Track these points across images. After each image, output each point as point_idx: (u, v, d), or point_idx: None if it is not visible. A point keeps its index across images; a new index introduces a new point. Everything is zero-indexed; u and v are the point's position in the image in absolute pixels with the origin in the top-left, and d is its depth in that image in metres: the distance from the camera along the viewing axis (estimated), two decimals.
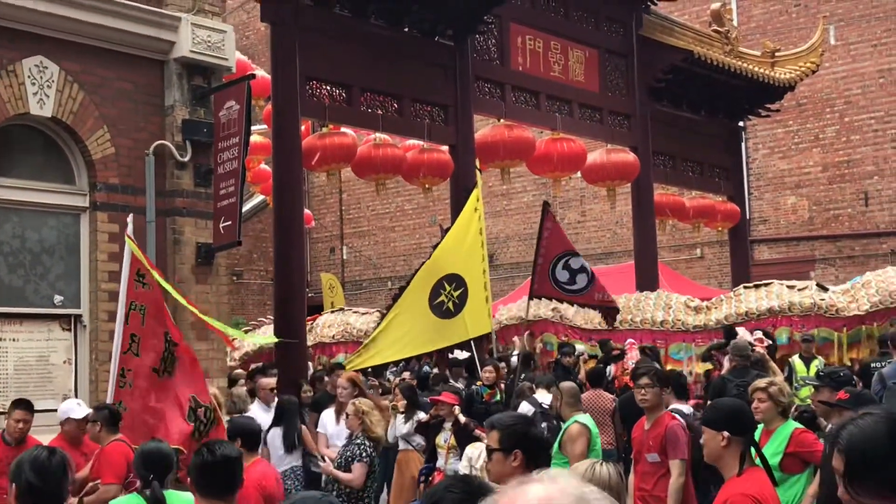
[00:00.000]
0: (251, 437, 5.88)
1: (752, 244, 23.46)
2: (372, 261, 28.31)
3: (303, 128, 15.48)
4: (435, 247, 12.17)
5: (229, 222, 9.59)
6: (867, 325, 13.16)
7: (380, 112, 13.84)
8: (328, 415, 9.11)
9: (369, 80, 13.69)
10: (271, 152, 13.22)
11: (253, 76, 10.36)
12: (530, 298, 13.20)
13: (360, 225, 28.67)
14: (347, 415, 7.91)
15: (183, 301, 7.71)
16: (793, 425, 6.45)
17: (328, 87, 13.29)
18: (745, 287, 14.51)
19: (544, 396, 9.87)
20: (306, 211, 22.73)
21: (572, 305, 13.64)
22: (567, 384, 7.85)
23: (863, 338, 13.08)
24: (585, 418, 7.51)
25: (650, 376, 6.59)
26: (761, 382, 6.54)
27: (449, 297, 11.40)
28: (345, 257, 28.61)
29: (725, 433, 4.68)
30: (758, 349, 10.72)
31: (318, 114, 13.24)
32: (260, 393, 9.48)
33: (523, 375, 11.37)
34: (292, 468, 9.01)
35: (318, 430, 9.34)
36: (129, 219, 7.73)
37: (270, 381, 9.63)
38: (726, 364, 10.79)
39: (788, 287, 13.85)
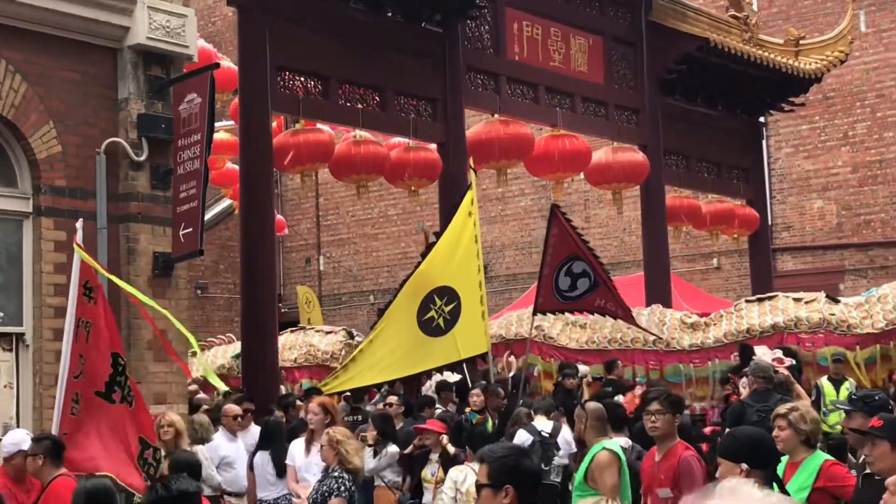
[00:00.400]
0: (193, 473, 5.84)
1: (774, 253, 23.45)
2: (352, 272, 28.23)
3: (274, 124, 15.51)
4: (423, 256, 12.10)
5: (190, 229, 9.51)
6: (883, 343, 12.96)
7: (360, 106, 13.80)
8: (297, 445, 9.02)
9: (348, 71, 13.65)
10: (238, 151, 13.16)
11: (217, 66, 10.30)
12: (534, 314, 13.15)
13: (338, 232, 28.59)
14: (322, 445, 7.83)
15: (155, 305, 7.66)
16: (822, 457, 6.37)
17: (302, 79, 13.26)
18: (746, 301, 14.42)
19: (544, 423, 9.83)
20: (278, 216, 22.70)
21: (572, 314, 13.60)
22: (593, 405, 7.73)
23: (878, 358, 12.89)
24: (614, 444, 7.40)
25: (661, 401, 6.51)
26: (782, 408, 6.46)
27: (439, 312, 11.34)
28: (322, 268, 28.52)
29: (744, 465, 4.63)
30: (781, 370, 10.66)
31: (291, 108, 13.20)
32: (224, 420, 9.40)
33: (521, 400, 11.31)
34: (284, 496, 8.96)
35: (286, 461, 9.25)
36: (79, 225, 7.65)
37: (234, 408, 9.54)
38: (743, 388, 10.73)
39: (795, 300, 13.73)
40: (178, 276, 10.20)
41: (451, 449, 9.52)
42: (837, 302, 13.69)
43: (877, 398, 6.28)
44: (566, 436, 10.06)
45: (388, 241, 27.82)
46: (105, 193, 9.53)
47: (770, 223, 23.36)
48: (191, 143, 9.66)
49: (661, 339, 14.06)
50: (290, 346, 16.39)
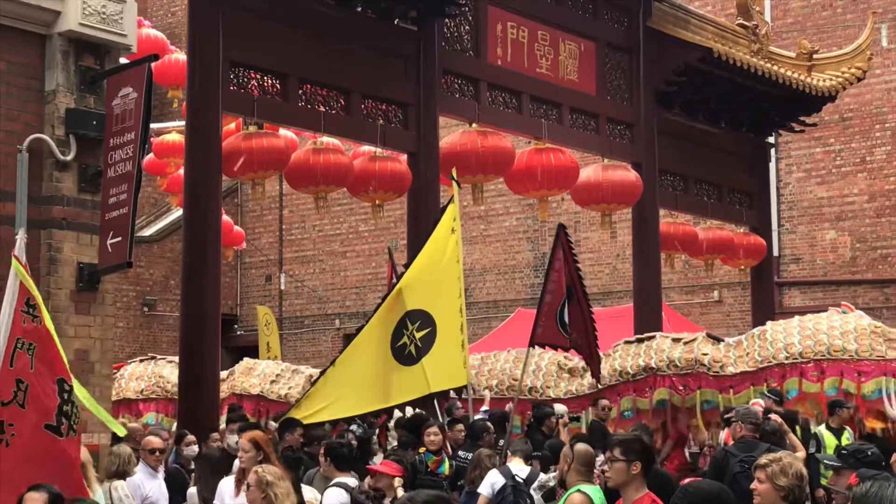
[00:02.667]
0: None
1: (780, 287, 23.43)
2: (317, 293, 28.08)
3: (232, 125, 15.44)
4: (400, 276, 11.97)
5: (119, 238, 9.37)
6: (756, 385, 12.86)
7: (322, 109, 13.73)
8: (226, 484, 8.85)
9: (310, 70, 13.59)
10: (184, 154, 13.07)
11: (156, 57, 10.17)
12: (531, 345, 13.02)
13: (303, 248, 28.47)
14: (248, 485, 7.70)
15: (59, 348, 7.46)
16: None
17: (258, 77, 13.19)
18: (625, 342, 14.36)
19: (520, 467, 9.70)
20: (237, 228, 22.61)
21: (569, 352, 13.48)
22: (583, 448, 7.76)
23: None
24: (591, 490, 7.35)
25: (620, 448, 6.44)
26: (763, 458, 6.34)
27: (411, 338, 11.19)
28: (283, 287, 28.38)
29: None
30: (773, 418, 10.56)
31: (245, 108, 13.12)
32: (141, 454, 9.25)
33: (501, 442, 11.18)
34: None
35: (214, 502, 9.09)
36: (20, 235, 7.47)
37: (152, 441, 9.39)
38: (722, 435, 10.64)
39: (673, 340, 13.66)
40: (105, 290, 10.04)
41: (400, 492, 9.37)
42: (720, 341, 13.59)
43: (870, 453, 6.18)
44: (544, 480, 9.96)
45: (357, 260, 27.70)
46: (26, 196, 9.38)
47: (777, 254, 23.35)
48: (123, 142, 9.52)
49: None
50: (138, 377, 16.36)
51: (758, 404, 11.20)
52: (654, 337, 14.09)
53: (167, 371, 15.99)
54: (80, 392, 7.28)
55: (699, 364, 13.27)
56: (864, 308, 22.76)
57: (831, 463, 6.79)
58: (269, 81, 13.31)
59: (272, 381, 15.30)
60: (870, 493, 2.78)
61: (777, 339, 13.00)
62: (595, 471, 8.37)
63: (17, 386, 6.79)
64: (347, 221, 27.49)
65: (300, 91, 13.52)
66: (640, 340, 14.24)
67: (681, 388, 13.39)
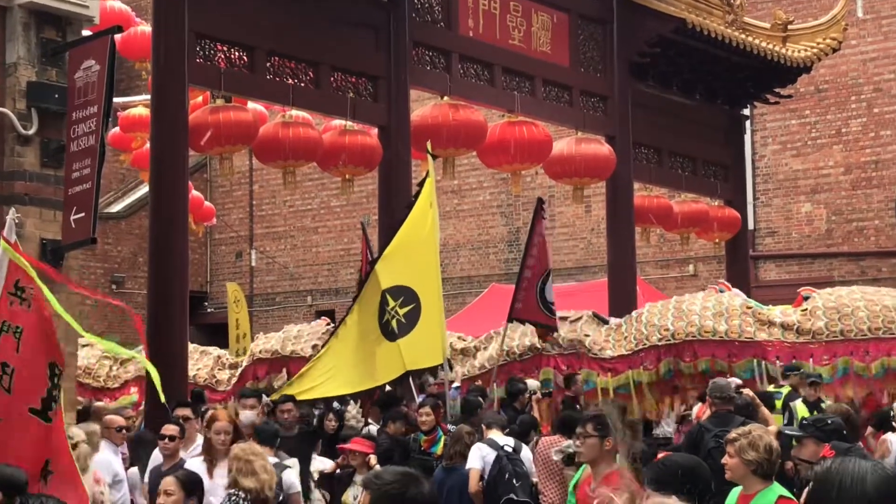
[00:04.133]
0: (12, 488, 5.72)
1: (755, 261, 23.50)
2: (288, 269, 28.01)
3: (199, 99, 15.32)
4: (381, 252, 11.94)
5: (82, 214, 9.31)
6: (633, 367, 12.90)
7: (291, 82, 13.64)
8: (196, 465, 8.81)
9: (278, 42, 13.49)
10: (150, 128, 12.96)
11: (119, 29, 10.09)
12: (509, 321, 13.02)
13: (273, 224, 28.37)
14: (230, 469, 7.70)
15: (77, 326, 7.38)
16: (776, 492, 6.28)
17: (225, 48, 13.08)
18: (516, 321, 14.34)
19: (503, 438, 9.71)
20: (207, 204, 22.49)
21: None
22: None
23: (631, 386, 12.79)
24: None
25: (591, 424, 6.49)
26: (733, 433, 6.40)
27: (393, 314, 11.17)
28: (254, 264, 28.29)
29: (673, 498, 4.53)
30: (746, 391, 10.60)
31: (211, 81, 13.01)
32: (104, 432, 9.20)
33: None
34: None
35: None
36: (10, 215, 7.36)
37: (116, 419, 9.35)
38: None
39: (561, 319, 13.56)
40: (69, 266, 9.99)
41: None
42: (606, 321, 13.55)
43: (829, 422, 6.21)
44: (527, 454, 9.97)
45: (329, 236, 27.63)
46: None
47: (752, 227, 23.40)
48: (86, 115, 9.45)
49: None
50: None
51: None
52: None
53: None
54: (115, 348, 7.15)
55: (581, 345, 13.26)
56: (840, 281, 22.96)
57: (792, 432, 6.82)
58: (236, 54, 13.20)
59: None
60: (831, 470, 2.76)
61: (652, 320, 12.95)
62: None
63: (2, 370, 6.69)
64: (319, 196, 27.40)
65: (268, 63, 13.42)
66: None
67: (564, 368, 13.44)
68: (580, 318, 13.61)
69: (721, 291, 13.61)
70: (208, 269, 28.57)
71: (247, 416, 10.05)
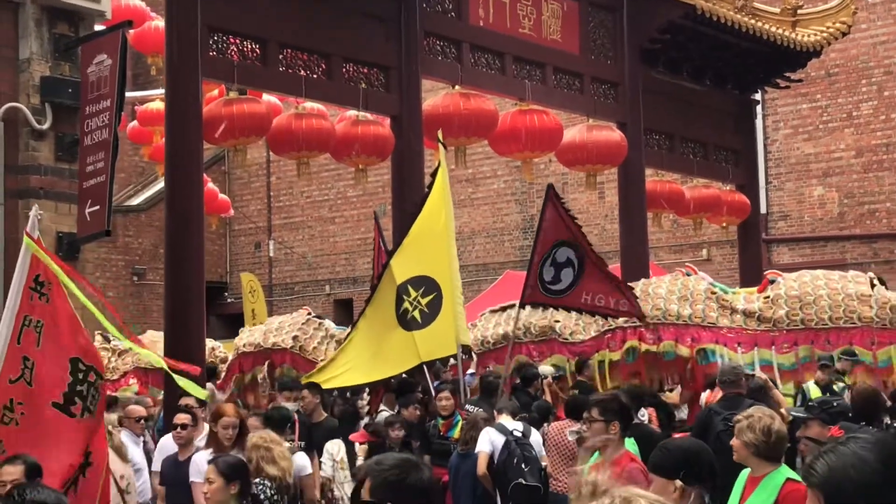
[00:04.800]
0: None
1: (769, 244, 23.42)
2: (306, 259, 28.05)
3: (216, 92, 15.32)
4: (398, 243, 11.94)
5: (97, 207, 9.33)
6: (600, 349, 13.00)
7: (303, 73, 13.62)
8: (201, 458, 8.77)
9: (290, 34, 13.46)
10: (164, 122, 12.96)
11: (130, 24, 10.10)
12: (521, 306, 13.00)
13: (291, 215, 28.40)
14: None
15: (115, 331, 7.36)
16: (784, 474, 6.24)
17: (237, 42, 13.05)
18: (490, 311, 14.42)
19: (512, 423, 9.70)
20: (223, 196, 22.55)
21: (568, 311, 13.39)
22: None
23: (595, 369, 12.85)
24: (628, 443, 7.44)
25: (598, 408, 6.46)
26: (739, 416, 6.36)
27: (414, 304, 11.17)
28: (272, 254, 28.33)
29: (678, 482, 4.51)
30: (758, 374, 10.55)
31: (224, 74, 12.97)
32: (125, 422, 9.22)
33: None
34: None
35: (191, 478, 8.92)
36: (33, 212, 7.36)
37: (137, 409, 9.36)
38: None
39: (532, 307, 13.42)
40: (85, 259, 10.02)
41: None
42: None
43: (835, 404, 6.18)
44: (536, 438, 9.96)
45: (346, 226, 27.64)
46: (2, 165, 9.35)
47: (765, 211, 23.31)
48: (99, 109, 9.47)
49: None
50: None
51: None
52: (514, 305, 13.79)
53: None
54: (148, 355, 7.18)
55: (552, 331, 13.32)
56: (853, 263, 22.85)
57: (796, 414, 6.78)
58: (249, 46, 13.18)
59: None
60: (829, 473, 2.66)
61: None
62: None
63: (23, 363, 6.69)
64: (335, 187, 27.40)
65: (280, 56, 13.40)
66: (503, 309, 14.21)
67: (536, 355, 13.47)
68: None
69: (688, 275, 13.64)
70: (228, 260, 28.64)
71: (288, 407, 10.08)
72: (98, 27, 10.27)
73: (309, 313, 14.61)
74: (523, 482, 9.08)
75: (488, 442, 9.34)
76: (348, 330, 12.34)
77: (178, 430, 8.72)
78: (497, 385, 11.46)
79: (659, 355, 12.89)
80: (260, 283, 25.22)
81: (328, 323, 14.46)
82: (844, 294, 12.56)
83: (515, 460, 9.12)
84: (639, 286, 13.28)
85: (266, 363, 13.80)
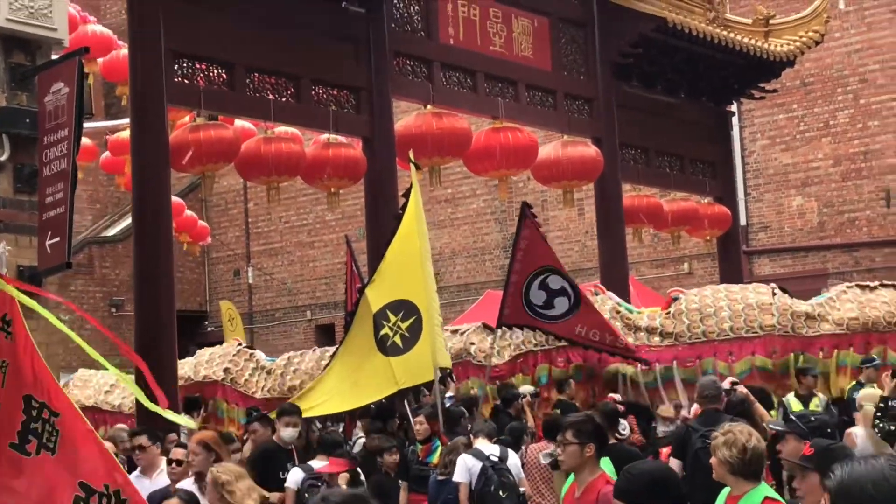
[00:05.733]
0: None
1: (750, 256, 23.28)
2: (286, 285, 27.77)
3: (187, 119, 15.10)
4: (373, 268, 11.76)
5: (57, 238, 9.09)
6: (513, 374, 13.04)
7: (272, 97, 13.42)
8: (186, 485, 8.56)
9: (257, 58, 13.27)
10: (121, 150, 12.74)
11: (86, 50, 9.87)
12: (498, 326, 12.85)
13: (270, 240, 28.15)
14: (207, 485, 7.43)
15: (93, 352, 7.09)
16: (763, 493, 6.02)
17: (203, 67, 12.86)
18: None
19: (489, 447, 9.48)
20: (202, 223, 22.27)
21: (553, 337, 13.29)
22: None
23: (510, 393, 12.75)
24: (605, 463, 7.29)
25: (572, 430, 6.24)
26: (716, 432, 6.15)
27: (395, 329, 10.96)
28: (251, 281, 28.06)
29: None
30: (739, 389, 10.34)
31: (191, 100, 12.78)
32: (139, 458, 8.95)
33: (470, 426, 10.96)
34: None
35: None
36: (1, 248, 7.08)
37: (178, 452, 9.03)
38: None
39: (452, 332, 13.63)
40: (62, 291, 9.76)
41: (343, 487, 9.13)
42: (493, 331, 13.49)
43: (813, 419, 5.98)
44: (515, 461, 9.74)
45: (325, 250, 27.39)
46: None
47: (745, 223, 23.19)
48: (58, 139, 9.24)
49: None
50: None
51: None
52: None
53: None
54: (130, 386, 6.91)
55: (467, 353, 13.34)
56: (835, 273, 22.72)
57: (775, 427, 6.58)
58: (215, 71, 12.98)
59: (106, 392, 15.02)
60: (847, 480, 2.53)
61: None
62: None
63: None
64: (314, 211, 27.17)
65: (248, 80, 13.19)
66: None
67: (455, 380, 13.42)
68: (469, 329, 13.74)
69: (595, 294, 13.87)
70: (207, 288, 28.35)
71: (288, 433, 9.83)
72: (56, 56, 10.03)
73: (239, 344, 14.40)
74: None
75: (466, 470, 9.11)
76: (326, 360, 12.15)
77: (173, 465, 8.50)
78: (461, 413, 11.23)
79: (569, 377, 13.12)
80: (240, 311, 24.96)
81: (259, 354, 14.33)
82: (745, 304, 12.73)
83: (493, 487, 8.89)
84: None
85: (198, 395, 13.63)
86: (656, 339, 12.74)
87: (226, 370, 13.79)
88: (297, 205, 26.55)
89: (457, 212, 26.36)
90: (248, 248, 28.22)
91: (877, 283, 13.48)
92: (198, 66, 12.81)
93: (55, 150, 9.26)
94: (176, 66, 12.52)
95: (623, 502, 4.07)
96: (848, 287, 13.45)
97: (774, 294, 13.01)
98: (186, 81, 12.64)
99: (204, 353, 14.35)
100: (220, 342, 23.54)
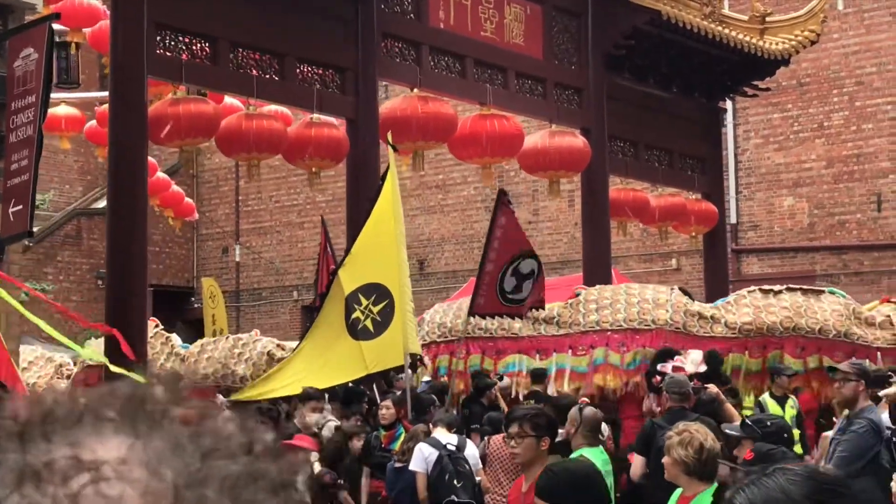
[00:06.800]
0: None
1: (738, 255, 23.10)
2: (274, 265, 27.57)
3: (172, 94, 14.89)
4: (347, 250, 11.58)
5: (20, 206, 8.90)
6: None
7: (255, 73, 13.22)
8: None
9: (242, 33, 13.08)
10: (107, 121, 12.54)
11: (57, 16, 9.68)
12: (471, 315, 12.67)
13: (260, 219, 27.93)
14: None
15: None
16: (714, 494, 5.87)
17: (186, 40, 12.65)
18: None
19: (446, 436, 9.30)
20: (188, 200, 22.05)
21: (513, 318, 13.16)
22: (590, 411, 7.84)
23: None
24: (594, 453, 7.36)
25: (523, 423, 6.07)
26: (670, 431, 5.98)
27: (366, 312, 10.79)
28: (238, 259, 27.85)
29: None
30: (710, 388, 10.15)
31: (172, 73, 12.56)
32: None
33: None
34: None
35: None
36: None
37: None
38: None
39: (483, 317, 13.60)
40: (11, 261, 9.57)
41: (317, 467, 8.97)
42: None
43: (769, 423, 5.80)
44: (473, 451, 9.58)
45: (314, 231, 27.12)
46: None
47: (735, 221, 23.00)
48: (25, 105, 9.05)
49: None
50: None
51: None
52: None
53: None
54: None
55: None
56: (822, 275, 22.52)
57: (729, 431, 6.41)
58: (199, 45, 12.78)
59: (23, 369, 14.86)
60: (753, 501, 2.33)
61: (435, 318, 13.87)
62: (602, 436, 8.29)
63: None
64: (304, 192, 26.91)
65: (231, 55, 12.99)
66: None
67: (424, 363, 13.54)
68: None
69: None
70: (195, 265, 28.15)
71: (313, 418, 9.65)
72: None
73: (157, 325, 14.20)
74: (455, 499, 8.66)
75: (422, 460, 8.94)
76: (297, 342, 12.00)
77: None
78: (431, 401, 11.05)
79: (463, 370, 13.23)
80: (227, 289, 24.76)
81: (175, 339, 14.15)
82: (641, 298, 12.85)
83: (447, 476, 8.70)
84: (456, 303, 13.87)
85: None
86: (553, 329, 12.88)
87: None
88: (288, 184, 26.35)
89: (447, 198, 26.15)
90: (237, 226, 28.00)
91: (782, 287, 13.42)
92: (181, 38, 12.61)
93: (22, 116, 9.07)
94: (158, 38, 12.32)
95: (544, 501, 3.87)
96: (749, 291, 13.48)
97: (672, 292, 13.18)
98: (168, 54, 12.44)
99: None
100: (200, 322, 23.43)
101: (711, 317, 12.84)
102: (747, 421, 6.02)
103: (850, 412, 7.66)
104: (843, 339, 12.59)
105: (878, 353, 12.36)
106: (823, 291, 13.47)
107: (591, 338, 12.74)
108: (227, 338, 14.34)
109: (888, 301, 13.51)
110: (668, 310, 12.72)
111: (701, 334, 12.72)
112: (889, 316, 12.82)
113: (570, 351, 12.78)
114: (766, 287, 13.58)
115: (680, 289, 13.82)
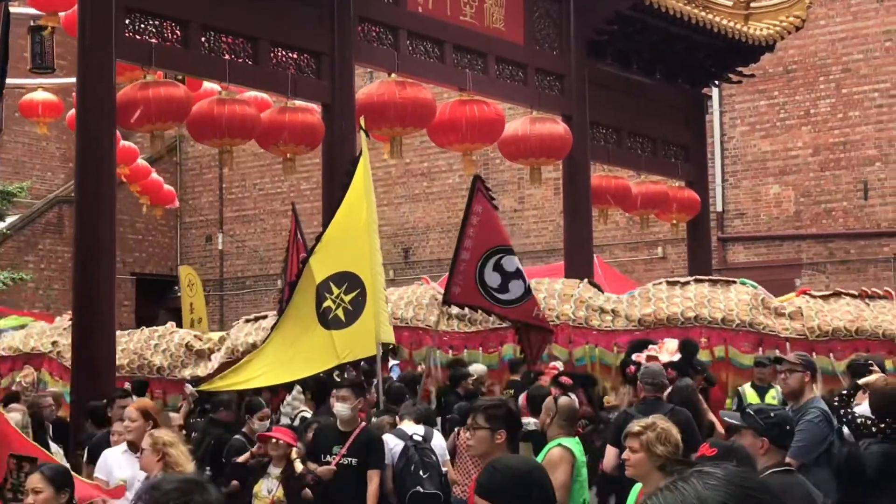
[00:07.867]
0: None
1: (724, 243, 22.88)
2: (258, 253, 27.30)
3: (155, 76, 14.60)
4: (318, 237, 11.30)
5: None
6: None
7: (227, 57, 12.92)
8: (112, 456, 8.14)
9: (214, 15, 12.78)
10: (75, 106, 12.24)
11: None
12: (444, 304, 12.39)
13: (243, 208, 27.67)
14: (142, 450, 7.13)
15: None
16: None
17: (156, 22, 12.34)
18: (244, 320, 14.27)
19: (413, 428, 9.08)
20: (168, 187, 21.78)
21: (502, 321, 12.82)
22: (566, 401, 7.64)
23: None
24: (571, 442, 7.25)
25: (482, 415, 5.85)
26: (635, 425, 5.75)
27: (337, 301, 10.51)
28: (221, 248, 27.57)
29: None
30: (686, 379, 9.91)
31: (141, 57, 12.24)
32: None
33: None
34: None
35: (95, 474, 8.37)
36: None
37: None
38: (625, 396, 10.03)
39: (460, 307, 13.54)
40: (31, 250, 9.28)
41: (300, 466, 8.72)
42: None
43: (773, 414, 5.56)
44: (440, 442, 9.35)
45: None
46: None
47: (721, 209, 22.78)
48: None
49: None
50: None
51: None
52: (266, 316, 13.65)
53: None
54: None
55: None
56: (808, 263, 22.32)
57: (730, 420, 6.17)
58: (169, 28, 12.46)
59: None
60: None
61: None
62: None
63: None
64: (288, 180, 26.60)
65: (203, 38, 12.69)
66: (256, 319, 13.86)
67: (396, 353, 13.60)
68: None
69: (422, 285, 14.51)
70: (178, 253, 27.88)
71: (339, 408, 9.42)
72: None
73: (70, 319, 14.01)
74: (421, 490, 8.42)
75: (387, 451, 8.70)
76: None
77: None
78: (404, 391, 10.80)
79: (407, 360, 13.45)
80: (210, 278, 24.51)
81: None
82: (547, 293, 12.88)
83: (413, 467, 8.47)
84: (397, 292, 13.89)
85: (25, 367, 13.44)
86: (464, 325, 12.97)
87: (54, 343, 13.53)
88: (272, 172, 26.05)
89: (432, 186, 25.90)
90: (221, 214, 27.72)
91: (690, 278, 13.32)
92: (151, 21, 12.30)
93: None
94: (127, 21, 12.01)
95: (483, 499, 3.62)
96: (655, 284, 13.40)
97: (579, 286, 13.18)
98: (137, 37, 12.13)
99: (35, 326, 14.15)
100: (178, 311, 23.18)
101: (613, 310, 12.85)
102: (749, 410, 5.78)
103: (797, 403, 7.49)
104: (749, 329, 12.33)
105: (787, 344, 12.07)
106: (734, 282, 13.19)
107: (500, 334, 12.84)
108: (141, 330, 14.27)
109: (805, 293, 13.25)
110: (571, 305, 12.75)
111: (602, 328, 12.80)
112: (800, 307, 12.55)
113: (480, 348, 12.91)
114: (673, 279, 13.48)
115: (589, 282, 13.70)
